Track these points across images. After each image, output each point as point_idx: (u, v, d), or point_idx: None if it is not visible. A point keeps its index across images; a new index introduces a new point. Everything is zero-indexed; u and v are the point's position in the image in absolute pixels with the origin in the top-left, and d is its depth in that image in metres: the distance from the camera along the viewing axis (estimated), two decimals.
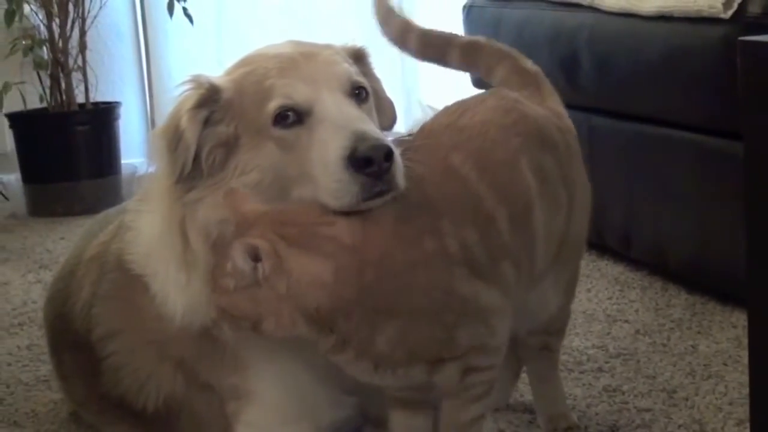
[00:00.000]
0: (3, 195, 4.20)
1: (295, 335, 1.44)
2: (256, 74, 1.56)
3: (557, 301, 1.73)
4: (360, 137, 1.45)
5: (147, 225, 1.71)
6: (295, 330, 1.43)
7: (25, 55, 3.91)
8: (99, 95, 4.12)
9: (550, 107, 1.73)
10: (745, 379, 1.36)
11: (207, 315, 1.58)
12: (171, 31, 4.32)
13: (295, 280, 1.39)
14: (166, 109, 4.33)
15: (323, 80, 1.54)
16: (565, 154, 1.68)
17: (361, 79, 1.60)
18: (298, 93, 1.52)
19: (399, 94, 4.24)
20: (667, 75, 2.42)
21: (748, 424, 1.42)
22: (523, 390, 1.96)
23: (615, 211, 2.69)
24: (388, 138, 1.53)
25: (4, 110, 3.96)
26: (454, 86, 3.77)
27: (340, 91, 1.54)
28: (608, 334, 2.28)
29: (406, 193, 1.45)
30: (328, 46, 1.64)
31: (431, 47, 1.86)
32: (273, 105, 1.51)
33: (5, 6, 3.87)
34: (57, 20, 3.94)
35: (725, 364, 2.07)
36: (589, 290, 2.57)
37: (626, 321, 2.36)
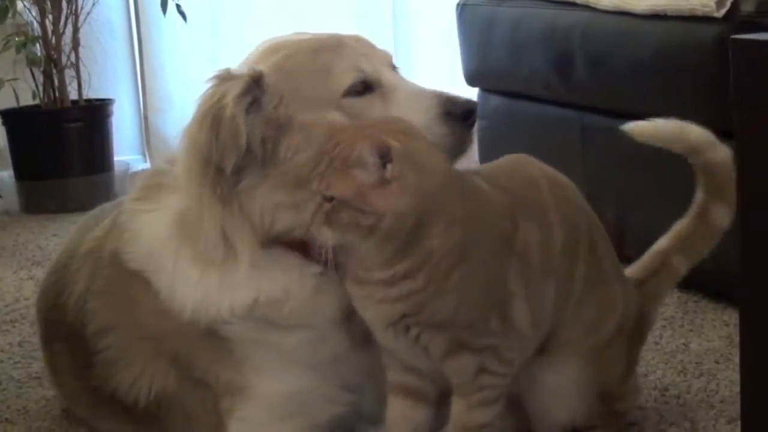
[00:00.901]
0: None
1: (386, 244, 1.48)
2: (301, 55, 1.63)
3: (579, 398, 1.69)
4: (448, 97, 1.63)
5: (148, 225, 1.71)
6: (397, 237, 1.47)
7: (17, 51, 3.90)
8: (92, 92, 4.11)
9: None
10: (737, 377, 1.36)
11: (217, 310, 1.61)
12: (164, 28, 4.31)
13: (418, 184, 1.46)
14: (159, 105, 4.38)
15: (375, 57, 1.67)
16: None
17: None
18: (365, 66, 1.63)
19: None
20: (660, 73, 2.42)
21: (739, 422, 1.42)
22: None
23: (608, 209, 2.68)
24: None
25: None
26: (447, 82, 3.77)
27: (389, 66, 1.70)
28: None
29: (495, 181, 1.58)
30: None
31: None
32: (346, 78, 1.61)
33: None
34: (50, 17, 3.93)
35: (717, 362, 2.08)
36: None
37: None
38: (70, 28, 3.97)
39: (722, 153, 1.79)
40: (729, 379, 1.99)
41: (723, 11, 2.20)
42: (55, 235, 3.46)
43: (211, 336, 1.65)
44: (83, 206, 3.19)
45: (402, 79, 1.68)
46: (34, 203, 3.92)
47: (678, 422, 1.84)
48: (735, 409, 1.84)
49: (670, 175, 2.50)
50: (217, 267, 1.64)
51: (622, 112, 2.62)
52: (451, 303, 1.50)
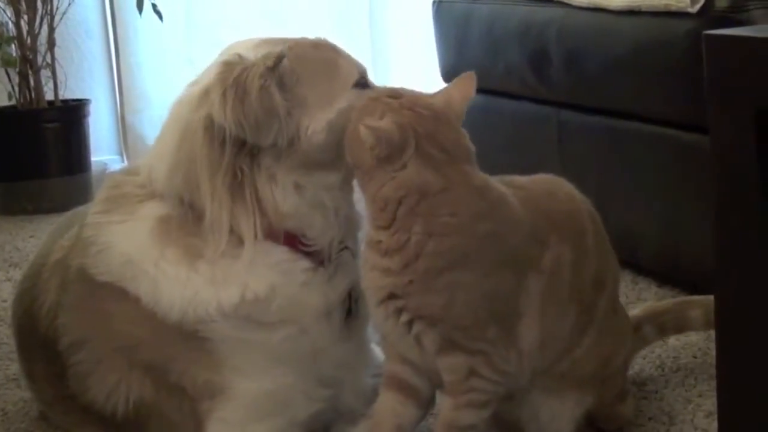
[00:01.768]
0: None
1: (378, 208, 1.55)
2: (304, 48, 1.70)
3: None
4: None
5: (120, 235, 1.70)
6: (387, 208, 1.54)
7: None
8: (68, 92, 4.10)
9: None
10: (714, 371, 1.37)
11: (206, 309, 1.61)
12: (140, 27, 4.30)
13: None
14: (136, 105, 4.37)
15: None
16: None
17: None
18: (362, 67, 1.74)
19: None
20: (635, 69, 2.43)
21: (716, 416, 1.42)
22: None
23: None
24: None
25: None
26: (424, 75, 3.78)
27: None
28: None
29: (530, 200, 1.62)
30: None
31: None
32: (353, 71, 1.71)
33: None
34: (25, 17, 3.91)
35: (694, 357, 2.09)
36: None
37: None
38: (45, 28, 3.95)
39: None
40: (707, 374, 2.00)
41: (697, 7, 2.21)
42: (32, 236, 3.45)
43: (190, 338, 1.64)
44: (60, 207, 3.19)
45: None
46: (10, 204, 3.90)
47: (656, 416, 1.85)
48: (712, 403, 1.85)
49: (646, 171, 2.52)
50: (209, 261, 1.63)
51: (598, 108, 2.63)
52: (440, 302, 1.51)
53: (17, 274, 2.80)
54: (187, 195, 1.66)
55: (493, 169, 1.62)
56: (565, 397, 1.65)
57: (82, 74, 4.40)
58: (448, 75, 3.32)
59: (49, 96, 3.99)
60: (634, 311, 1.96)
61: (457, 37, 3.22)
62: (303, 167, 1.65)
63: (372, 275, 1.56)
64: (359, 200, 1.74)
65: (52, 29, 3.97)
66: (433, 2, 3.37)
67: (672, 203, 2.44)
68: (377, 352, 1.88)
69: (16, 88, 3.95)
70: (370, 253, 1.56)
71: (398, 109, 1.54)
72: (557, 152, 2.79)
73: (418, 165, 1.51)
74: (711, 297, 1.96)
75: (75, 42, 4.38)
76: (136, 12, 4.03)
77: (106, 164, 4.28)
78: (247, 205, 1.63)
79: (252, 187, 1.63)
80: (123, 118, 4.42)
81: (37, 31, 3.93)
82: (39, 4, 3.91)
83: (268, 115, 1.60)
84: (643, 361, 2.07)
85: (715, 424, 1.65)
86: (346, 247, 1.74)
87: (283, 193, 1.64)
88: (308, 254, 1.69)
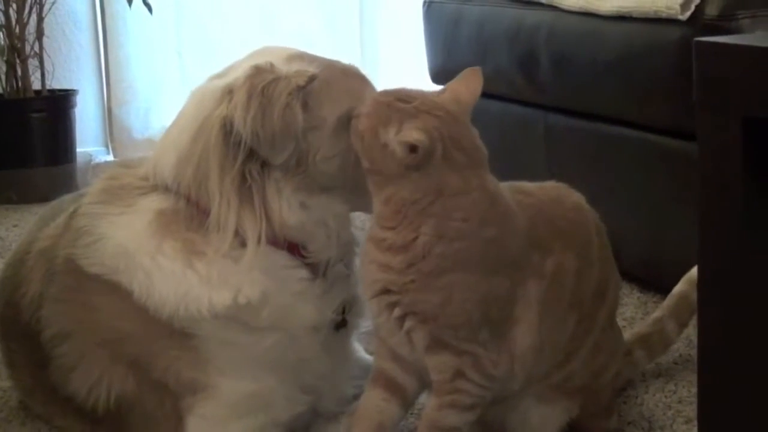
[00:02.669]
0: None
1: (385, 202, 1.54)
2: (334, 71, 1.70)
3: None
4: None
5: (117, 227, 1.69)
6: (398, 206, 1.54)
7: None
8: (55, 82, 4.08)
9: None
10: (695, 377, 1.37)
11: (197, 308, 1.61)
12: (130, 19, 4.28)
13: None
14: (123, 97, 4.35)
15: None
16: None
17: None
18: None
19: None
20: (624, 75, 2.43)
21: (696, 423, 1.43)
22: None
23: None
24: None
25: None
26: (413, 77, 3.77)
27: None
28: None
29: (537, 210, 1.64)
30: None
31: None
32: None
33: None
34: (14, 6, 3.89)
35: (675, 363, 2.09)
36: None
37: None
38: (34, 17, 3.94)
39: None
40: (687, 380, 2.00)
41: (687, 14, 2.21)
42: (15, 225, 3.43)
43: (178, 334, 1.64)
44: (45, 197, 3.16)
45: None
46: None
47: (636, 421, 1.85)
48: (692, 409, 1.86)
49: (632, 177, 2.52)
50: (207, 259, 1.63)
51: (586, 112, 2.64)
52: (436, 301, 1.51)
53: (0, 264, 2.79)
54: (193, 189, 1.65)
55: None
56: (555, 404, 1.66)
57: (69, 65, 4.38)
58: (437, 76, 3.32)
59: (36, 85, 3.98)
60: (625, 337, 1.97)
61: (447, 38, 3.22)
62: (308, 189, 1.65)
63: (369, 268, 1.56)
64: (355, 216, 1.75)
65: (40, 19, 3.95)
66: (424, 2, 3.37)
67: (657, 209, 2.44)
68: (365, 358, 1.88)
69: (3, 77, 3.94)
70: (370, 247, 1.56)
71: (417, 115, 1.52)
72: (544, 155, 2.79)
73: (442, 169, 1.51)
74: (671, 302, 1.98)
75: (63, 32, 4.36)
76: (126, 4, 4.02)
77: (91, 155, 4.26)
78: (254, 209, 1.63)
79: (260, 192, 1.63)
80: (110, 109, 4.40)
81: (25, 21, 3.92)
82: None
83: (286, 133, 1.60)
84: None
85: (695, 431, 1.66)
86: (342, 262, 1.75)
87: (289, 208, 1.64)
88: (306, 264, 1.69)
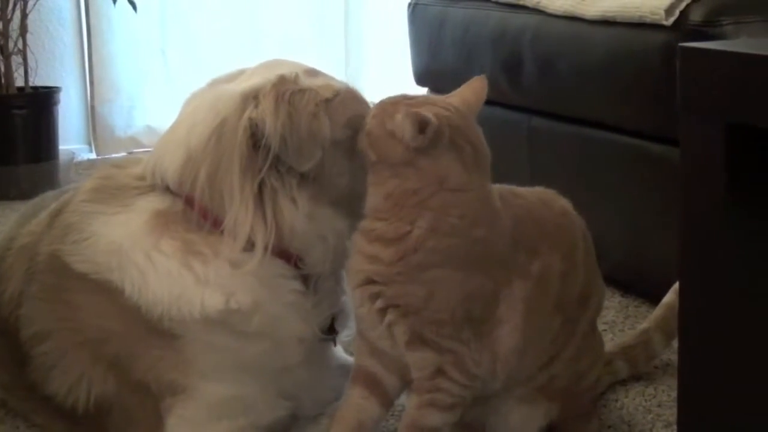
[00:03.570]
0: None
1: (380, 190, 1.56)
2: (355, 94, 1.71)
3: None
4: None
5: (112, 226, 1.68)
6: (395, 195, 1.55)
7: None
8: (39, 80, 4.07)
9: None
10: (675, 382, 1.38)
11: (189, 311, 1.61)
12: (114, 17, 4.28)
13: None
14: (106, 95, 4.34)
15: None
16: None
17: None
18: None
19: None
20: (608, 79, 2.44)
21: (675, 427, 1.43)
22: None
23: None
24: None
25: None
26: (398, 83, 3.77)
27: None
28: None
29: (526, 209, 1.65)
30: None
31: None
32: None
33: None
34: None
35: (656, 367, 2.09)
36: None
37: None
38: (18, 14, 3.93)
39: None
40: (667, 384, 2.01)
41: (672, 20, 2.22)
42: None
43: (163, 335, 1.63)
44: (27, 194, 3.15)
45: None
46: None
47: (616, 425, 1.86)
48: (672, 413, 1.86)
49: (614, 181, 2.52)
50: (206, 260, 1.62)
51: (570, 116, 2.64)
52: (420, 294, 1.51)
53: None
54: (204, 190, 1.64)
55: None
56: (536, 405, 1.66)
57: (53, 62, 4.37)
58: (421, 78, 3.32)
59: (20, 82, 3.96)
60: (607, 347, 1.97)
61: (432, 40, 3.22)
62: (318, 200, 1.65)
63: (356, 258, 1.57)
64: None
65: (24, 15, 3.94)
66: (409, 4, 3.37)
67: (639, 213, 2.45)
68: (347, 359, 1.88)
69: None
70: (358, 238, 1.57)
71: (425, 104, 1.54)
72: (527, 158, 2.79)
73: (449, 156, 1.52)
74: (658, 314, 2.00)
75: (47, 29, 4.35)
76: (110, 1, 4.02)
77: (74, 153, 4.25)
78: (266, 217, 1.62)
79: (274, 200, 1.63)
80: (93, 107, 4.40)
81: (9, 17, 3.91)
82: None
83: (313, 141, 1.61)
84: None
85: None
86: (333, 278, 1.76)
87: (298, 218, 1.64)
88: (301, 276, 1.69)
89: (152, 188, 1.70)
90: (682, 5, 2.22)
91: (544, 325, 1.61)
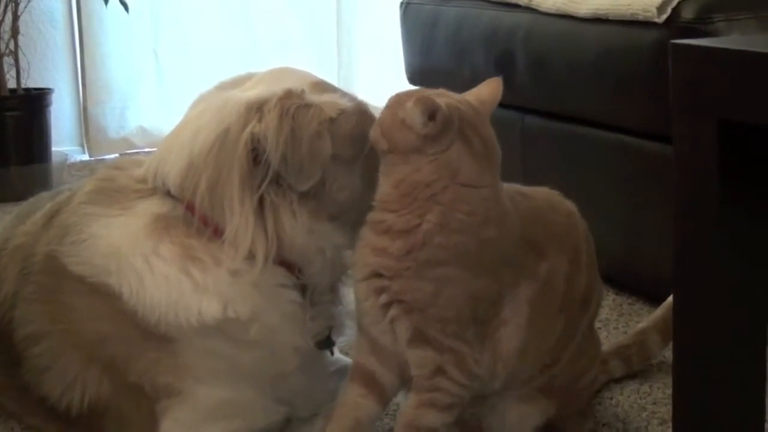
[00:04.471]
0: None
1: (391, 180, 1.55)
2: (362, 108, 1.70)
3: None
4: None
5: (112, 228, 1.67)
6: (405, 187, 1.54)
7: None
8: (31, 81, 4.06)
9: None
10: (670, 379, 1.38)
11: (186, 317, 1.60)
12: (106, 18, 4.28)
13: None
14: (98, 96, 4.34)
15: None
16: None
17: None
18: None
19: None
20: (600, 77, 2.44)
21: (670, 424, 1.43)
22: None
23: None
24: None
25: None
26: (390, 83, 3.78)
27: None
28: None
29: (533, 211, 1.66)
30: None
31: None
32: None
33: None
34: None
35: (651, 365, 2.09)
36: None
37: None
38: (9, 15, 3.92)
39: None
40: (662, 381, 2.01)
41: (664, 17, 2.22)
42: None
43: (159, 339, 1.62)
44: (20, 196, 3.13)
45: None
46: None
47: (611, 423, 1.86)
48: (667, 410, 1.86)
49: (607, 179, 2.52)
50: (205, 267, 1.62)
51: (563, 114, 2.64)
52: (427, 291, 1.51)
53: None
54: (204, 199, 1.63)
55: None
56: (534, 403, 1.66)
57: (45, 63, 4.37)
58: (414, 77, 3.32)
59: (12, 84, 3.95)
60: (603, 346, 1.97)
61: (424, 39, 3.22)
62: (318, 216, 1.64)
63: (363, 251, 1.56)
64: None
65: (16, 17, 3.93)
66: (401, 3, 3.37)
67: (632, 211, 2.45)
68: (344, 359, 1.88)
69: None
70: (366, 231, 1.56)
71: (437, 95, 1.54)
72: (519, 157, 2.79)
73: (460, 149, 1.51)
74: (658, 314, 2.00)
75: (39, 31, 4.35)
76: (102, 2, 4.01)
77: (66, 154, 4.24)
78: (267, 229, 1.62)
79: (275, 213, 1.62)
80: (85, 108, 4.39)
81: (1, 19, 3.90)
82: None
83: (314, 161, 1.60)
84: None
85: None
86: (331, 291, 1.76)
87: (298, 231, 1.63)
88: (299, 286, 1.69)
89: (153, 191, 1.69)
90: (674, 2, 2.22)
91: (548, 327, 1.61)
